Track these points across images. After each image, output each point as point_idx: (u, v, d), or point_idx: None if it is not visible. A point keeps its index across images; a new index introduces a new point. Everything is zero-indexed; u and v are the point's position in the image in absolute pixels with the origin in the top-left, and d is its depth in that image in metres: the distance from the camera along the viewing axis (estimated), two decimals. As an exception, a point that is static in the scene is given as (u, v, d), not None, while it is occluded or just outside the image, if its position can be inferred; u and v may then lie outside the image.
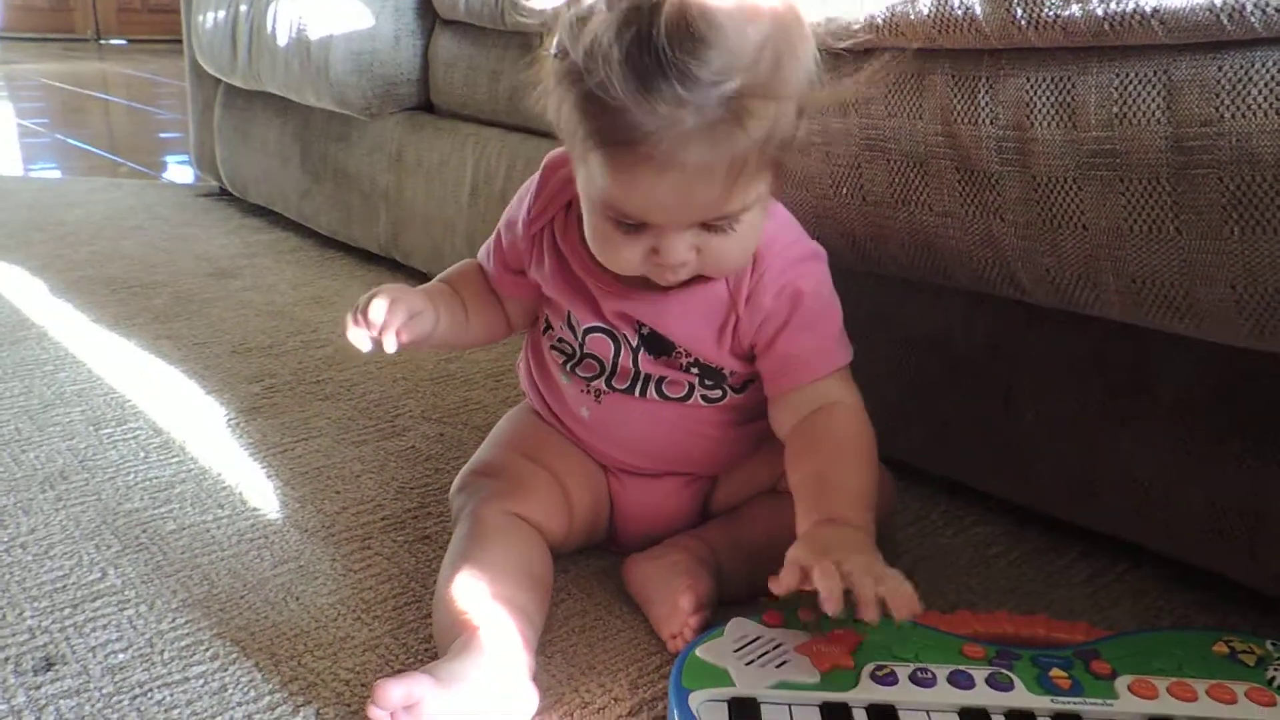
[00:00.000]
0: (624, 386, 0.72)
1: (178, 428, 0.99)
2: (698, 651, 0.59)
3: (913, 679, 0.56)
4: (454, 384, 1.12)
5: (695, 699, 0.55)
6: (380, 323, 0.68)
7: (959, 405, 0.82)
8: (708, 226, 0.60)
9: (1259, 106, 0.54)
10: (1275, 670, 0.58)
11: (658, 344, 0.70)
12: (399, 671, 0.60)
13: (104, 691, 0.62)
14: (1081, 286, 0.64)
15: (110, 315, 1.32)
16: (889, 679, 0.56)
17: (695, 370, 0.71)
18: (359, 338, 0.69)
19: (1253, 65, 0.54)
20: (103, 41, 6.66)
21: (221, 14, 1.66)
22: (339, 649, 0.66)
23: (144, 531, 0.80)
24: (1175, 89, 0.57)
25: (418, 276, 1.50)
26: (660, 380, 0.72)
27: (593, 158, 0.59)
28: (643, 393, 0.72)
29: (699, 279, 0.65)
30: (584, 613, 0.71)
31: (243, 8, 1.60)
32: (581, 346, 0.73)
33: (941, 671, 0.57)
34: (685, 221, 0.60)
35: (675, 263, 0.62)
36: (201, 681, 0.63)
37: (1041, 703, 0.55)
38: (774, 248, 0.67)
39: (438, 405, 1.07)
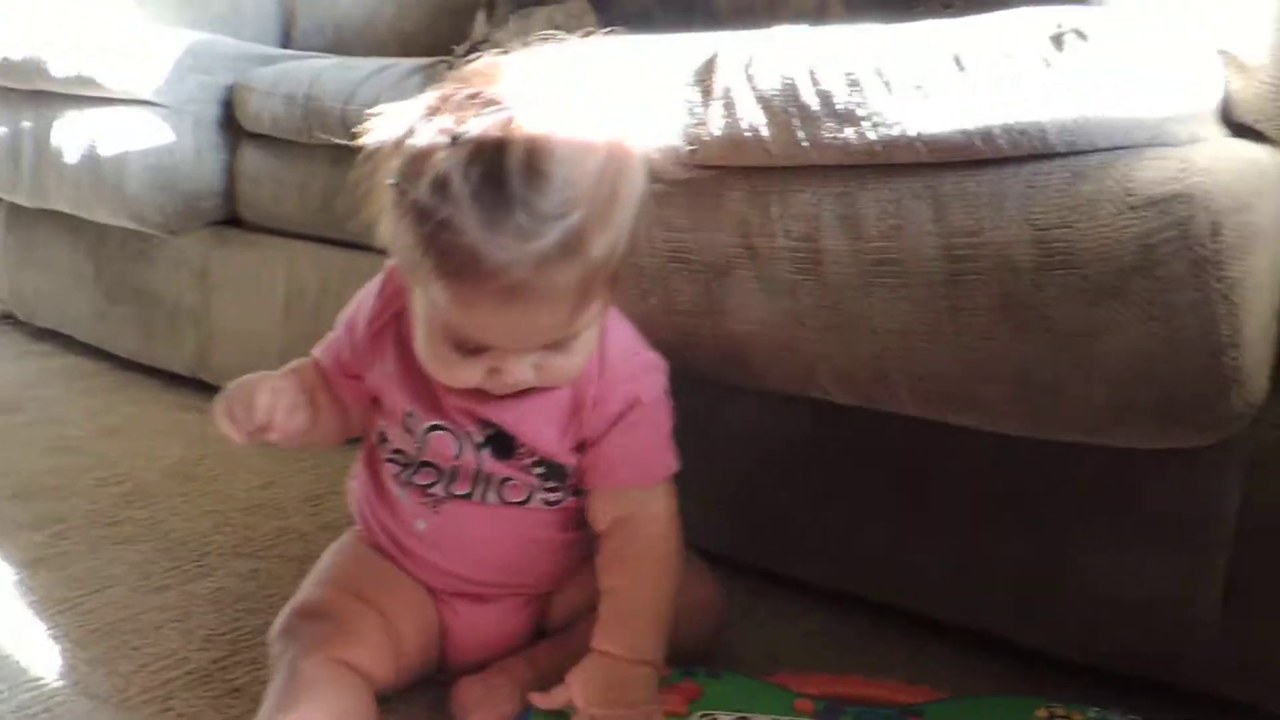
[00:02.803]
0: (464, 491, 0.71)
1: (-55, 591, 0.89)
2: (536, 700, 0.65)
3: None
4: (268, 512, 1.06)
5: None
6: (263, 419, 0.66)
7: (779, 499, 0.84)
8: (549, 347, 0.62)
9: (1013, 218, 0.59)
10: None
11: (502, 443, 0.70)
12: None
13: None
14: (876, 386, 0.68)
15: None
16: None
17: (539, 470, 0.70)
18: (234, 431, 0.66)
19: (1005, 180, 0.60)
20: None
21: (2, 130, 1.55)
22: (132, 836, 0.60)
23: (-99, 720, 0.70)
24: (941, 203, 0.62)
25: (229, 397, 1.43)
26: (501, 482, 0.71)
27: (435, 286, 0.58)
28: (483, 497, 0.71)
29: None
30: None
31: (25, 124, 1.51)
32: (419, 450, 0.71)
33: None
34: (530, 345, 0.61)
35: (517, 382, 0.63)
36: None
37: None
38: (619, 354, 0.69)
39: (250, 538, 1.00)
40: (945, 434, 0.73)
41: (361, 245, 1.24)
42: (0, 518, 1.04)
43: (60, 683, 0.75)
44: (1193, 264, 0.54)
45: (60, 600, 0.87)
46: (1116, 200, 0.56)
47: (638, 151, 0.61)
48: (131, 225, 1.41)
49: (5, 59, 1.52)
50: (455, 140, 0.56)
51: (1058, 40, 0.57)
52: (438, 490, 0.71)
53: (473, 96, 0.57)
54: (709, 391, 0.86)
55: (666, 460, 0.70)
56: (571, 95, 0.61)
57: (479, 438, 0.69)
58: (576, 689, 0.64)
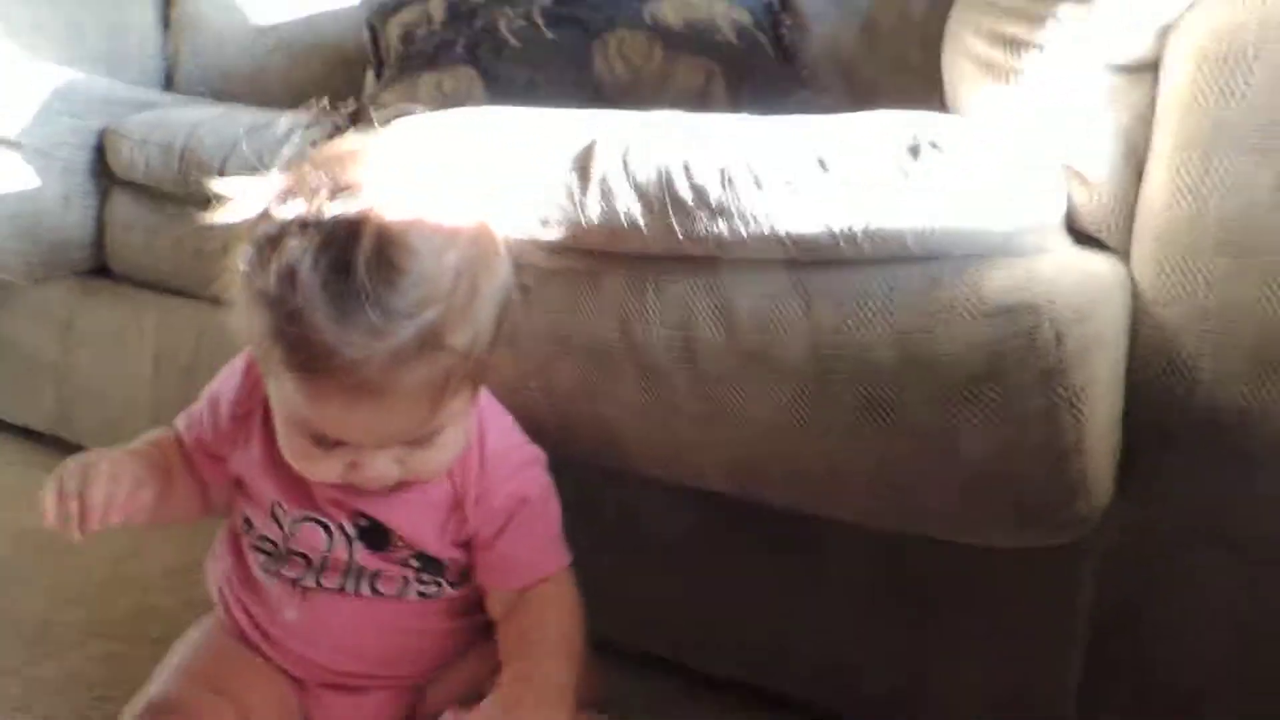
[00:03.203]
0: (334, 584, 0.68)
1: None
2: None
3: None
4: (127, 587, 1.00)
5: None
6: (102, 504, 0.60)
7: (658, 586, 0.84)
8: (411, 442, 0.60)
9: (876, 320, 0.61)
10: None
11: (376, 536, 0.67)
12: None
13: None
14: (749, 477, 0.69)
15: None
16: None
17: (414, 564, 0.68)
18: (68, 522, 0.60)
19: (869, 282, 0.62)
20: None
21: None
22: None
23: None
24: (811, 300, 0.63)
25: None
26: (375, 575, 0.68)
27: (285, 378, 0.56)
28: (355, 589, 0.68)
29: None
30: None
31: (-126, 159, 1.42)
32: (288, 540, 0.68)
33: None
34: (387, 443, 0.59)
35: (375, 477, 0.61)
36: None
37: None
38: (498, 450, 0.68)
39: (108, 616, 0.94)
40: (824, 524, 0.74)
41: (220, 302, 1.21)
42: None
43: (-124, 789, 0.69)
44: (1040, 373, 0.57)
45: (-118, 691, 0.81)
46: (970, 307, 0.58)
47: (501, 242, 0.61)
48: (-10, 272, 1.33)
49: None
50: (306, 228, 0.54)
51: (914, 150, 0.59)
52: (307, 582, 0.69)
53: (330, 182, 0.56)
54: (588, 477, 0.86)
55: (560, 553, 0.70)
56: (434, 184, 0.59)
57: (351, 530, 0.67)
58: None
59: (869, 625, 0.74)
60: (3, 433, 1.44)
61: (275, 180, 0.59)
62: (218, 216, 0.59)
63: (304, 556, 0.68)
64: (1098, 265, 0.62)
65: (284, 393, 0.58)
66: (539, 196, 0.70)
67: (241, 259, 0.58)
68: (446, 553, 0.69)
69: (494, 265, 0.60)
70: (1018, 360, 0.57)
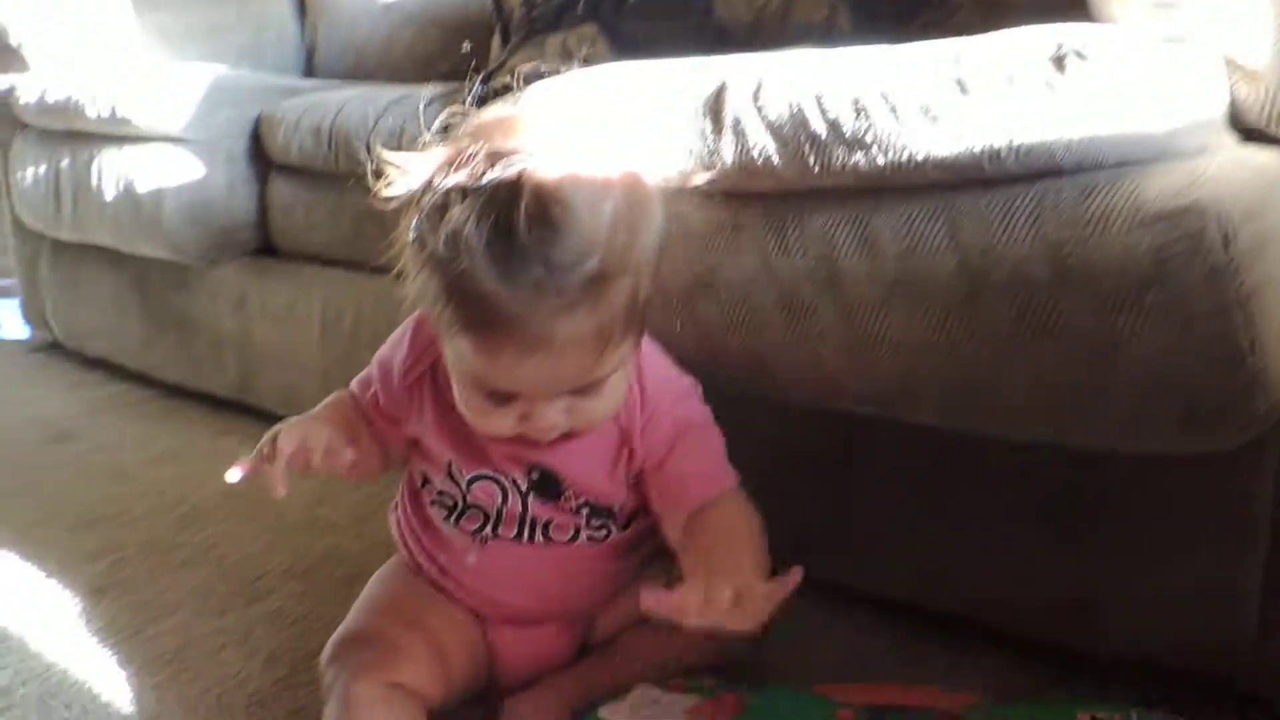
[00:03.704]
0: (510, 534, 0.73)
1: (16, 624, 0.93)
2: (600, 711, 0.63)
3: None
4: (318, 532, 1.09)
5: None
6: (321, 459, 0.66)
7: (810, 508, 0.86)
8: (578, 391, 0.63)
9: (1026, 235, 0.61)
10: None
11: (548, 489, 0.71)
12: None
13: None
14: (899, 399, 0.70)
15: (-68, 502, 1.23)
16: None
17: (584, 511, 0.72)
18: (276, 478, 0.66)
19: (1016, 199, 0.61)
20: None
21: (43, 169, 1.61)
22: None
23: (-18, 751, 0.75)
24: (956, 222, 0.63)
25: (272, 419, 1.46)
26: (547, 524, 0.72)
27: (459, 338, 0.60)
28: (530, 537, 0.73)
29: None
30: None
31: (64, 163, 1.56)
32: (465, 497, 0.73)
33: None
34: (557, 391, 0.62)
35: (547, 427, 0.64)
36: None
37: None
38: (658, 384, 0.71)
39: (304, 557, 1.04)
40: (974, 441, 0.74)
41: (391, 270, 1.27)
42: (62, 548, 1.08)
43: (129, 709, 0.79)
44: (1207, 274, 0.55)
45: (124, 628, 0.91)
46: (1126, 216, 0.57)
47: (653, 189, 0.63)
48: (171, 258, 1.46)
49: (43, 101, 1.57)
50: (468, 194, 0.57)
51: (1059, 61, 0.58)
52: (485, 533, 0.73)
53: (485, 149, 0.59)
54: (735, 404, 0.88)
55: (730, 472, 0.72)
56: (584, 140, 0.62)
57: (524, 485, 0.71)
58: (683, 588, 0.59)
59: (1032, 542, 0.74)
60: (196, 403, 1.58)
61: (436, 153, 0.62)
62: (386, 190, 0.63)
63: (481, 510, 0.73)
64: (1266, 159, 0.59)
65: (458, 352, 0.62)
66: (674, 144, 0.71)
67: (410, 229, 0.62)
68: (617, 495, 0.72)
69: (648, 212, 0.62)
70: (1183, 264, 0.55)
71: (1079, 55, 0.58)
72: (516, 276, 0.56)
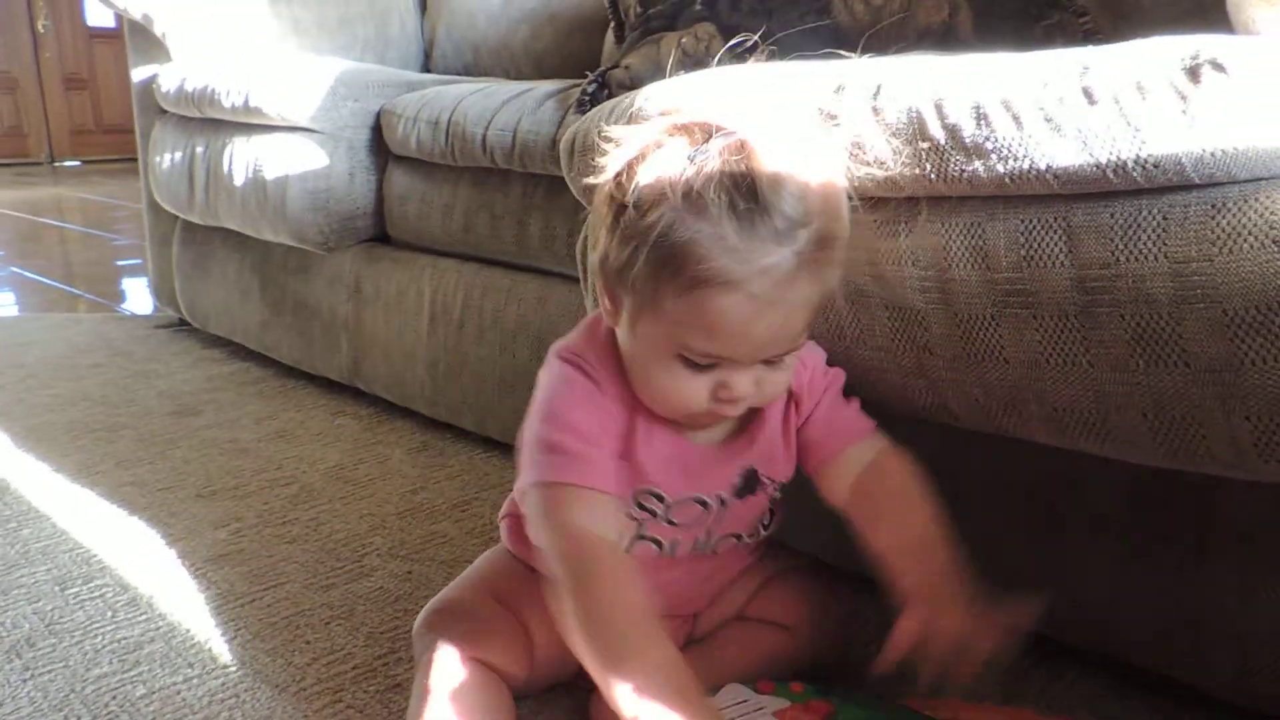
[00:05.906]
0: (687, 550, 0.75)
1: (145, 582, 1.00)
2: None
3: None
4: (420, 517, 1.14)
5: None
6: None
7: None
8: (769, 361, 0.65)
9: (1149, 251, 0.59)
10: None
11: (749, 483, 0.74)
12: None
13: None
14: (1008, 414, 0.68)
15: (73, 464, 1.32)
16: None
17: (776, 493, 0.76)
18: None
19: (1140, 213, 0.59)
20: (57, 164, 6.70)
21: (178, 155, 1.70)
22: (314, 817, 0.66)
23: (114, 699, 0.80)
24: (1074, 234, 0.62)
25: (380, 404, 1.53)
26: (721, 539, 0.75)
27: (677, 301, 0.61)
28: (704, 549, 0.75)
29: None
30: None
31: (199, 149, 1.65)
32: (668, 512, 0.72)
33: None
34: (763, 356, 0.64)
35: (741, 397, 0.65)
36: None
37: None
38: (806, 351, 0.73)
39: (405, 540, 1.08)
40: (1080, 460, 0.73)
41: (502, 262, 1.31)
42: (189, 515, 1.15)
43: (243, 671, 0.84)
44: (1345, 300, 0.53)
45: (241, 594, 0.97)
46: (1259, 234, 0.55)
47: (839, 169, 0.65)
48: (292, 243, 1.53)
49: (182, 89, 1.66)
50: (694, 156, 0.60)
51: (1193, 72, 0.56)
52: (650, 560, 0.74)
53: (701, 122, 0.62)
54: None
55: (868, 419, 0.75)
56: (770, 122, 0.64)
57: (727, 494, 0.73)
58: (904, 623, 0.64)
59: (1131, 564, 0.72)
60: (310, 384, 1.66)
61: (649, 128, 0.64)
62: (596, 179, 0.65)
63: (656, 541, 0.73)
64: None
65: (666, 316, 0.62)
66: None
67: (606, 219, 0.64)
68: (790, 465, 0.75)
69: (840, 187, 0.64)
70: (1318, 288, 0.53)
71: (1215, 66, 0.55)
72: (757, 231, 0.59)
